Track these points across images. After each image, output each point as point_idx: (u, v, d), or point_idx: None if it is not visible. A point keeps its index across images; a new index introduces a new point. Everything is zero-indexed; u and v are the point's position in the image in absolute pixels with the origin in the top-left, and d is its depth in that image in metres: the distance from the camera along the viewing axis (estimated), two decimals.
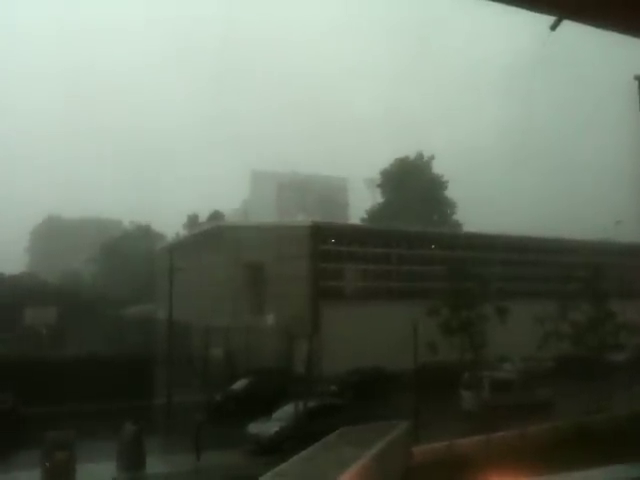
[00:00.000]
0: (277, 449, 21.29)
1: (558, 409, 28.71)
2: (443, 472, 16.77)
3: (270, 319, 41.18)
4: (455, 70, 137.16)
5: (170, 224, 78.79)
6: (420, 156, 72.63)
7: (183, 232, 71.09)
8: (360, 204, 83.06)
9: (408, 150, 72.31)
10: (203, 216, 75.72)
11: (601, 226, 48.51)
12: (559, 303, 30.19)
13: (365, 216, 73.59)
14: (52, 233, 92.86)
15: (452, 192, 71.84)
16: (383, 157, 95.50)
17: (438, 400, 27.92)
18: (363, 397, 31.59)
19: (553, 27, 3.45)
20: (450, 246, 46.35)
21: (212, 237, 50.28)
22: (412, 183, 69.40)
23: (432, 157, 72.38)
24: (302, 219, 58.29)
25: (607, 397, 27.08)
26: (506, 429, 22.93)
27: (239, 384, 32.17)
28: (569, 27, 3.45)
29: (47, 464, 19.89)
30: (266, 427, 23.64)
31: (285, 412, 24.69)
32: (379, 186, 74.53)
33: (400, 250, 45.66)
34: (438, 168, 71.77)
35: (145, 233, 75.97)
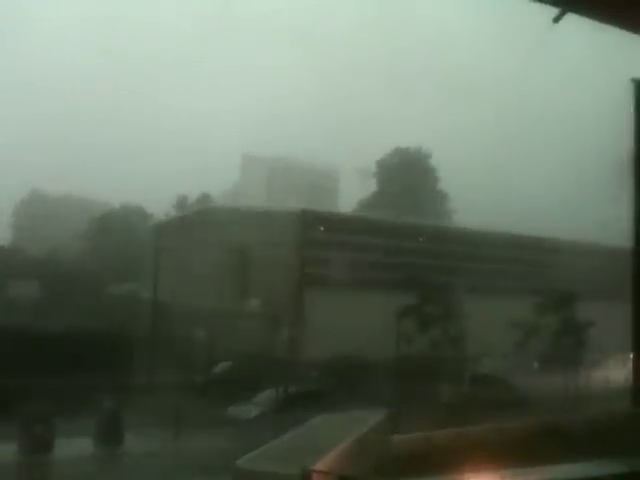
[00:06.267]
0: (255, 434, 21.38)
1: (534, 405, 29.05)
2: (419, 462, 16.90)
3: (254, 303, 41.24)
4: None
5: (159, 204, 78.07)
6: (417, 149, 73.00)
7: (172, 213, 70.84)
8: (351, 193, 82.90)
9: None
10: (192, 198, 75.42)
11: (589, 228, 48.81)
12: (538, 302, 30.71)
13: (356, 205, 73.77)
14: (36, 209, 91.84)
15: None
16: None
17: (418, 392, 28.15)
18: (343, 384, 31.77)
19: (556, 20, 3.42)
20: (437, 239, 46.58)
21: (200, 219, 50.15)
22: (406, 174, 69.69)
23: (427, 151, 72.81)
24: (291, 205, 58.27)
25: (583, 395, 27.53)
26: (483, 423, 23.17)
27: (220, 367, 32.26)
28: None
29: (25, 437, 19.87)
30: (245, 411, 23.76)
31: (265, 397, 24.82)
32: (374, 175, 74.77)
33: (387, 240, 45.81)
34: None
35: (133, 212, 75.57)
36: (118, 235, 66.43)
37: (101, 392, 23.96)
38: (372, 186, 74.75)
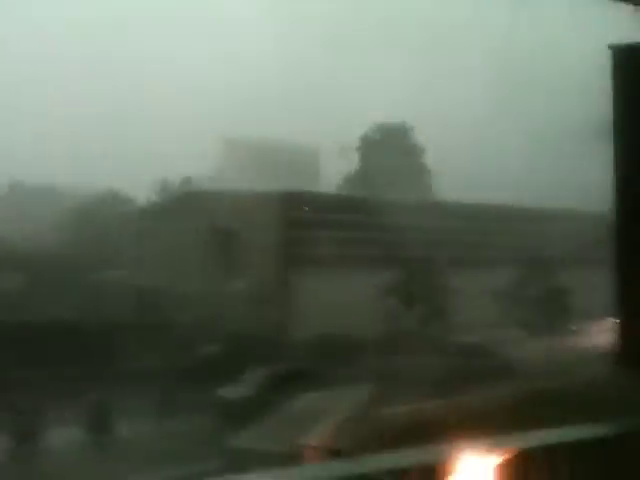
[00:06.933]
0: (245, 414, 21.47)
1: (520, 372, 29.41)
2: (406, 436, 17.05)
3: (241, 285, 41.22)
4: None
5: (140, 189, 77.28)
6: (400, 123, 72.85)
7: (154, 197, 70.33)
8: (333, 171, 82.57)
9: None
10: (174, 181, 74.83)
11: (566, 194, 48.76)
12: (522, 270, 31.08)
13: (339, 183, 73.69)
14: (15, 200, 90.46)
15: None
16: None
17: (406, 365, 28.34)
18: (331, 362, 31.97)
19: None
20: (420, 214, 46.56)
21: (183, 203, 49.89)
22: (389, 150, 69.61)
23: (409, 124, 72.62)
24: (274, 186, 58.10)
25: (568, 360, 27.91)
26: (471, 393, 23.37)
27: (208, 349, 32.29)
28: None
29: (14, 429, 19.86)
30: (234, 392, 23.82)
31: (253, 377, 24.90)
32: (356, 150, 74.44)
33: (372, 218, 45.79)
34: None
35: (114, 198, 74.93)
36: (100, 222, 65.88)
37: (89, 380, 23.91)
38: (354, 163, 74.69)
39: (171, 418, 22.13)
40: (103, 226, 64.56)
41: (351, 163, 75.31)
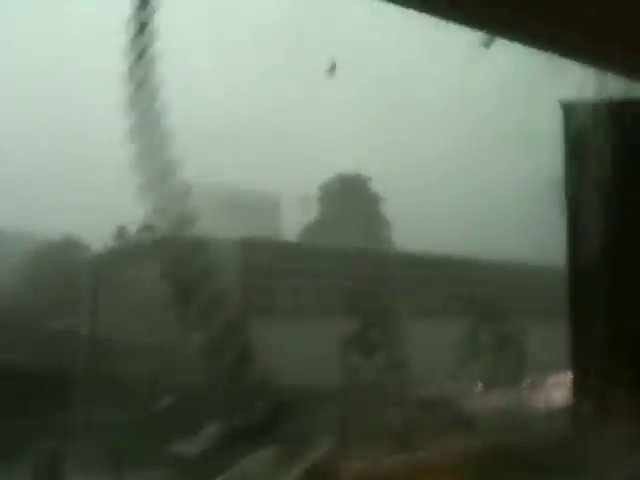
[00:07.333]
0: (200, 469, 20.88)
1: (476, 427, 29.36)
2: None
3: (199, 336, 40.52)
4: None
5: (97, 235, 76.00)
6: (358, 175, 73.73)
7: (111, 244, 69.20)
8: (293, 220, 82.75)
9: None
10: (132, 228, 73.87)
11: (519, 247, 49.68)
12: (470, 323, 31.52)
13: (299, 232, 73.83)
14: None
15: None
16: None
17: (365, 419, 28.06)
18: (289, 416, 31.44)
19: (487, 44, 3.40)
20: (379, 264, 46.86)
21: (141, 250, 49.17)
22: (349, 200, 70.29)
23: (368, 175, 73.50)
24: (234, 233, 57.94)
25: (525, 415, 28.00)
26: (430, 447, 23.21)
27: (163, 402, 31.49)
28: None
29: None
30: (190, 447, 23.21)
31: (210, 431, 24.34)
32: (317, 201, 74.89)
33: (332, 267, 45.89)
34: None
35: (69, 244, 73.46)
36: (54, 268, 64.37)
37: (39, 433, 23.00)
38: (314, 212, 75.17)
39: (123, 476, 21.36)
40: (57, 273, 63.11)
41: (311, 212, 75.81)
